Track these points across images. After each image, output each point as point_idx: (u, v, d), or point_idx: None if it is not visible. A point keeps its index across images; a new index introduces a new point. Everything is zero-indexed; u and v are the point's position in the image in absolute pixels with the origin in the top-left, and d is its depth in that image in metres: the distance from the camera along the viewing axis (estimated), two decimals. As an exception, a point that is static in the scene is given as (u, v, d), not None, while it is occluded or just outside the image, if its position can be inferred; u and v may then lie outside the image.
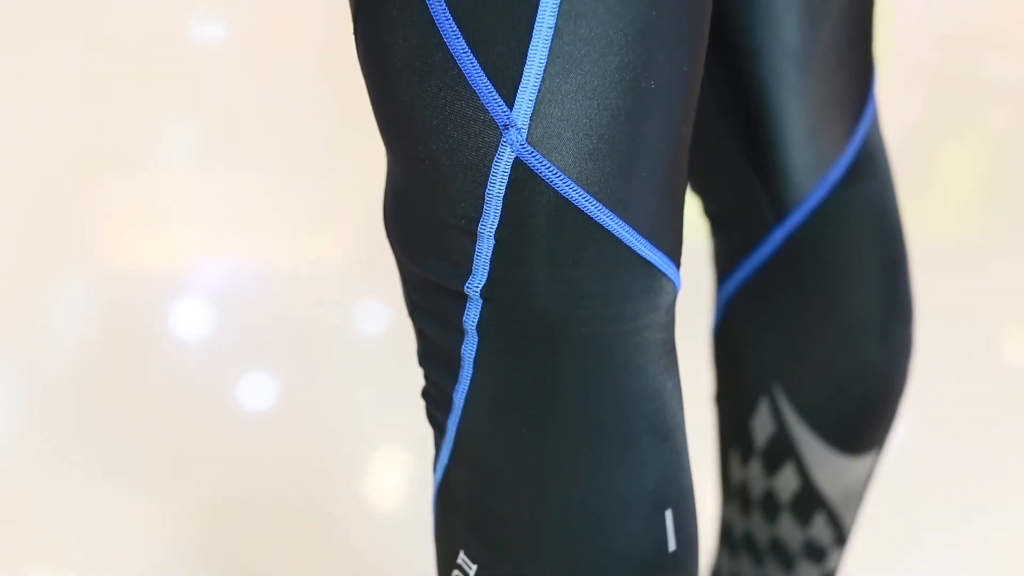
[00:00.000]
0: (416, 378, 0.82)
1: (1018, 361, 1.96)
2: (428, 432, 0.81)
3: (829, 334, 1.02)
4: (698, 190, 1.04)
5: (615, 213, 0.71)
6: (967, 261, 2.16)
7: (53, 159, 2.42)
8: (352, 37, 0.75)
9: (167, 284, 2.09)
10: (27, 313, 2.00)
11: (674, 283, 0.75)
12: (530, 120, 0.69)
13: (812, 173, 0.98)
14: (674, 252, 0.75)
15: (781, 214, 0.99)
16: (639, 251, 0.72)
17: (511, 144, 0.70)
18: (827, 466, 1.04)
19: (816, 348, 1.03)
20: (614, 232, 0.71)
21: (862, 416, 1.05)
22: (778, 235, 1.00)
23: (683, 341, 0.79)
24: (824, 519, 1.06)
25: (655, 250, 0.73)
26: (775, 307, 1.03)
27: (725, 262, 1.05)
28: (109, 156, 2.44)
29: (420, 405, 0.82)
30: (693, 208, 1.03)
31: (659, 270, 0.73)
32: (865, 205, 1.01)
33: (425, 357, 0.79)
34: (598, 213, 0.71)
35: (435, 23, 0.69)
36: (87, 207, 2.30)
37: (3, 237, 2.18)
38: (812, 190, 0.98)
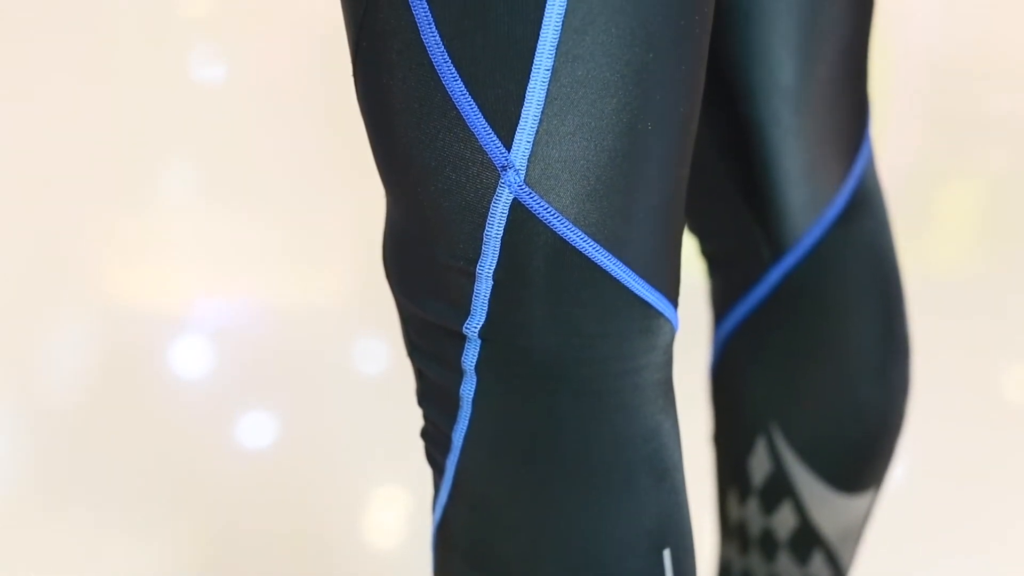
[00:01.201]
0: (415, 417, 0.82)
1: (1016, 399, 1.96)
2: (427, 471, 0.81)
3: (826, 373, 1.03)
4: (695, 230, 1.04)
5: (613, 254, 0.72)
6: (966, 299, 2.16)
7: (54, 196, 2.42)
8: (352, 78, 0.76)
9: (167, 322, 2.09)
10: (27, 349, 2.00)
11: (672, 323, 0.75)
12: (528, 162, 0.70)
13: (808, 212, 0.98)
14: (672, 292, 0.75)
15: (778, 253, 1.00)
16: (637, 291, 0.73)
17: (509, 185, 0.70)
18: (825, 505, 1.04)
19: (813, 387, 1.03)
20: (612, 273, 0.72)
21: (859, 455, 1.05)
22: (775, 274, 1.00)
23: (681, 379, 0.79)
24: (822, 558, 1.06)
25: (653, 290, 0.73)
26: (772, 346, 1.03)
27: (722, 301, 1.05)
28: (109, 194, 2.44)
29: (420, 444, 0.82)
30: (690, 247, 1.03)
31: (657, 310, 0.74)
32: (861, 244, 1.01)
33: (424, 397, 0.80)
34: (596, 254, 0.71)
35: (433, 66, 0.70)
36: (87, 244, 2.31)
37: (4, 273, 2.18)
38: (808, 229, 0.99)
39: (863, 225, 1.01)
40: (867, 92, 1.00)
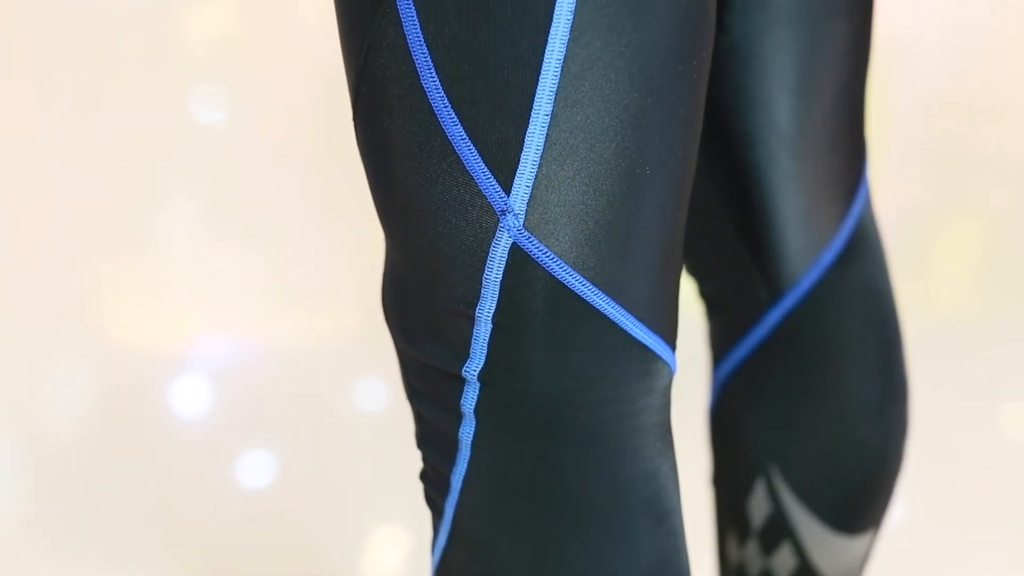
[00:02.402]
0: (415, 457, 0.82)
1: (1016, 439, 1.96)
2: (427, 512, 0.81)
3: (824, 415, 1.03)
4: (694, 272, 1.05)
5: (611, 297, 0.72)
6: (966, 339, 2.16)
7: (55, 235, 2.43)
8: (351, 122, 0.77)
9: (167, 361, 2.09)
10: (26, 389, 2.00)
11: (670, 366, 0.75)
12: (527, 206, 0.70)
13: (806, 255, 0.99)
14: (670, 335, 0.76)
15: (776, 296, 1.00)
16: (635, 335, 0.73)
17: (508, 230, 0.70)
18: (824, 546, 1.04)
19: (812, 429, 1.03)
20: (610, 316, 0.72)
21: (858, 496, 1.05)
22: (773, 316, 1.01)
23: (680, 421, 0.79)
24: (822, 599, 1.06)
25: (651, 333, 0.74)
26: (770, 388, 1.03)
27: (721, 343, 1.05)
28: (110, 233, 2.45)
29: (419, 484, 0.82)
30: (689, 288, 1.04)
31: (655, 353, 0.74)
32: (859, 287, 1.01)
33: (423, 440, 0.80)
34: (594, 297, 0.72)
35: (433, 110, 0.70)
36: (88, 283, 2.31)
37: (3, 312, 2.18)
38: (806, 272, 0.99)
39: (861, 267, 1.01)
40: (865, 135, 1.01)
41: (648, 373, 0.74)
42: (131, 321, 2.20)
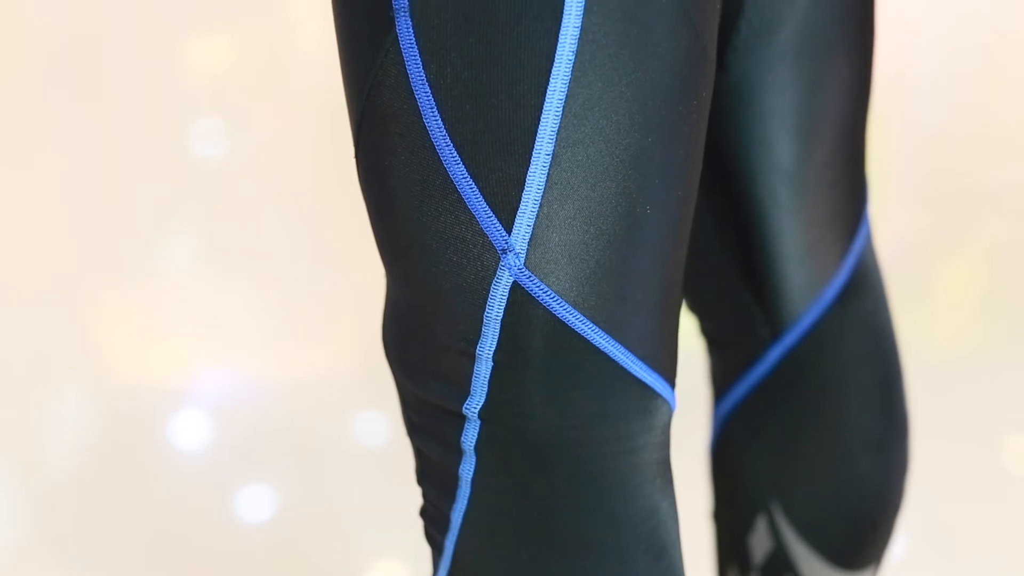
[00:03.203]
0: (415, 491, 0.82)
1: (1018, 474, 1.96)
2: (427, 547, 0.81)
3: (825, 451, 1.03)
4: (695, 309, 1.05)
5: (611, 336, 0.72)
6: (966, 373, 2.16)
7: (55, 268, 2.43)
8: (353, 158, 0.77)
9: (167, 395, 2.09)
10: (26, 422, 2.00)
11: (669, 404, 0.76)
12: (528, 245, 0.70)
13: (807, 292, 0.99)
14: (669, 373, 0.76)
15: (777, 332, 1.00)
16: (635, 373, 0.73)
17: (509, 268, 0.71)
18: (825, 582, 1.04)
19: (813, 465, 1.03)
20: (610, 354, 0.72)
21: (859, 532, 1.05)
22: (774, 353, 1.01)
23: (681, 457, 0.80)
24: (822, 636, 1.06)
25: (650, 371, 0.74)
26: (771, 425, 1.04)
27: (722, 380, 1.06)
28: (110, 267, 2.45)
29: (420, 519, 0.82)
30: (690, 325, 1.04)
31: (654, 391, 0.74)
32: (860, 323, 1.02)
33: (423, 476, 0.80)
34: (594, 336, 0.72)
35: (435, 148, 0.71)
36: (87, 318, 2.31)
37: (3, 346, 2.19)
38: (807, 309, 0.99)
39: (861, 304, 1.02)
40: (865, 173, 1.01)
41: (648, 411, 0.74)
42: (131, 355, 2.20)
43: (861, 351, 1.02)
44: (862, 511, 1.04)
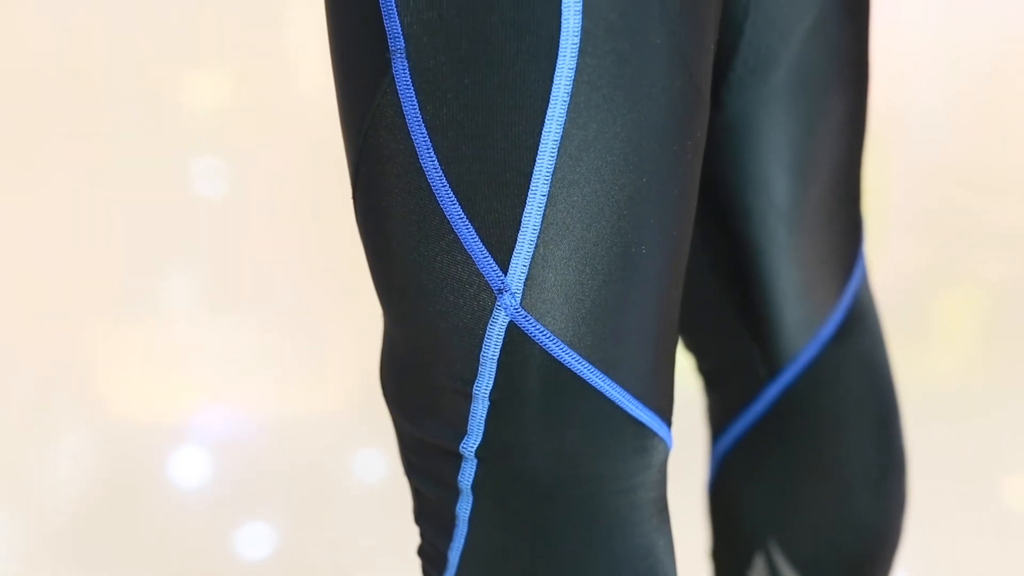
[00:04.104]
0: (415, 529, 0.82)
1: (1017, 511, 1.96)
2: (425, 584, 0.82)
3: (823, 489, 1.03)
4: (692, 348, 1.05)
5: (607, 375, 0.73)
6: (964, 410, 2.16)
7: (54, 306, 2.43)
8: (351, 199, 0.77)
9: (167, 432, 2.09)
10: (26, 460, 2.00)
11: (665, 442, 0.76)
12: (524, 285, 0.71)
13: (804, 330, 0.99)
14: (665, 412, 0.76)
15: (774, 371, 1.00)
16: (631, 412, 0.74)
17: (505, 308, 0.71)
18: (824, 620, 1.04)
19: (810, 504, 1.03)
20: (606, 393, 0.73)
21: (857, 570, 1.05)
22: (771, 392, 1.01)
23: (679, 496, 0.80)
24: (821, 675, 1.05)
25: (646, 410, 0.74)
26: (769, 463, 1.04)
27: (719, 419, 1.06)
28: (110, 304, 2.45)
29: (418, 558, 0.82)
30: (687, 364, 1.04)
31: (651, 430, 0.75)
32: (856, 362, 1.02)
33: (421, 515, 0.80)
34: (590, 375, 0.72)
35: (432, 189, 0.71)
36: (87, 355, 2.31)
37: (3, 383, 2.19)
38: (804, 347, 0.99)
39: (858, 342, 1.02)
40: (861, 210, 1.01)
41: (644, 449, 0.75)
42: (130, 392, 2.20)
43: (858, 389, 1.02)
44: (860, 549, 1.04)
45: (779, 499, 1.04)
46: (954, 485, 1.90)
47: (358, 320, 1.92)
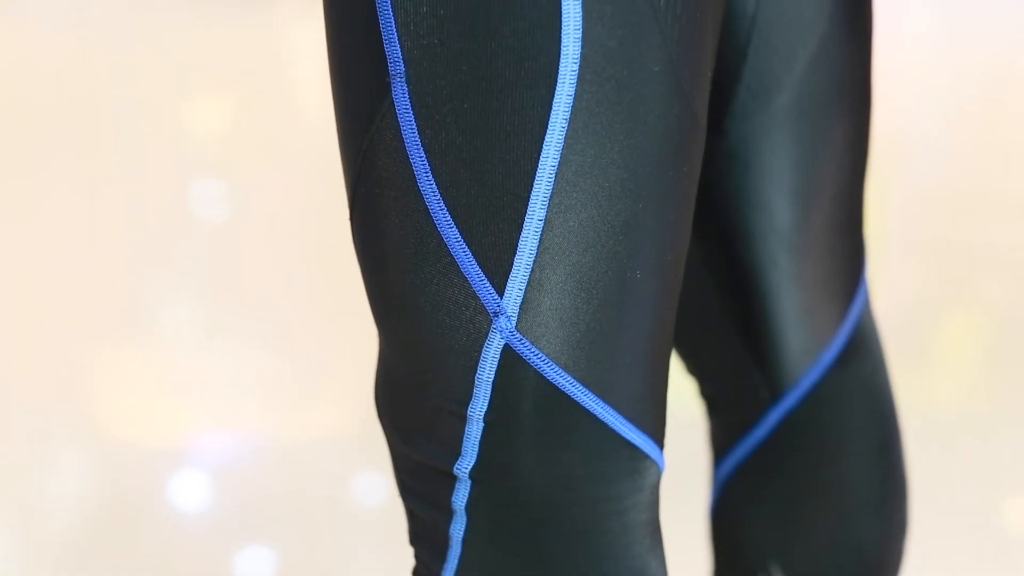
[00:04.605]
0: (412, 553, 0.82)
1: (1019, 535, 1.95)
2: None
3: (824, 513, 1.03)
4: (694, 372, 1.05)
5: (600, 398, 0.73)
6: (966, 434, 2.16)
7: (54, 330, 2.44)
8: (349, 220, 0.78)
9: (166, 457, 2.10)
10: (27, 483, 2.00)
11: (658, 465, 0.76)
12: (519, 308, 0.71)
13: (806, 355, 0.99)
14: (658, 434, 0.77)
15: (776, 395, 1.00)
16: (624, 434, 0.74)
17: (501, 331, 0.72)
18: (824, 645, 1.04)
19: (811, 527, 1.03)
20: (599, 416, 0.73)
21: (858, 595, 1.05)
22: (773, 416, 1.01)
23: (681, 520, 0.80)
24: None
25: (639, 433, 0.75)
26: (771, 487, 1.04)
27: (722, 443, 1.06)
28: (110, 328, 2.46)
29: (418, 577, 0.82)
30: (690, 388, 1.05)
31: (643, 452, 0.75)
32: (858, 386, 1.02)
33: (416, 537, 0.80)
34: (584, 398, 0.73)
35: (429, 213, 0.71)
36: (87, 379, 2.32)
37: (4, 407, 2.19)
38: (806, 372, 0.99)
39: (860, 367, 1.02)
40: (863, 235, 1.02)
41: (637, 472, 0.75)
42: (130, 416, 2.21)
43: (860, 414, 1.02)
44: (861, 573, 1.04)
45: (781, 523, 1.04)
46: (955, 508, 1.90)
47: (358, 344, 1.92)
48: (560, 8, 0.69)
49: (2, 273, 2.67)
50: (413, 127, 0.71)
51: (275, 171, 3.12)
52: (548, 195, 0.70)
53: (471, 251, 0.71)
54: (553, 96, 0.69)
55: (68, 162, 3.12)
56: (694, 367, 1.05)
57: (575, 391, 0.72)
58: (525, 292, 0.71)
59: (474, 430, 0.74)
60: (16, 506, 1.97)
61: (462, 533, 0.75)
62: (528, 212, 0.70)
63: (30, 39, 4.27)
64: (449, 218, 0.71)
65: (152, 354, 2.42)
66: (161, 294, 2.64)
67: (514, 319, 0.71)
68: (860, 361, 1.02)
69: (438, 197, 0.71)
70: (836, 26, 0.91)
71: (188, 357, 2.43)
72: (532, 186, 0.70)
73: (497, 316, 0.71)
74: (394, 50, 0.71)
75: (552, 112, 0.69)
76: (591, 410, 0.73)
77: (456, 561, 0.76)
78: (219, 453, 2.12)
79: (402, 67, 0.71)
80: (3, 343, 2.39)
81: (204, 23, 4.69)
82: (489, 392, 0.73)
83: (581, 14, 0.69)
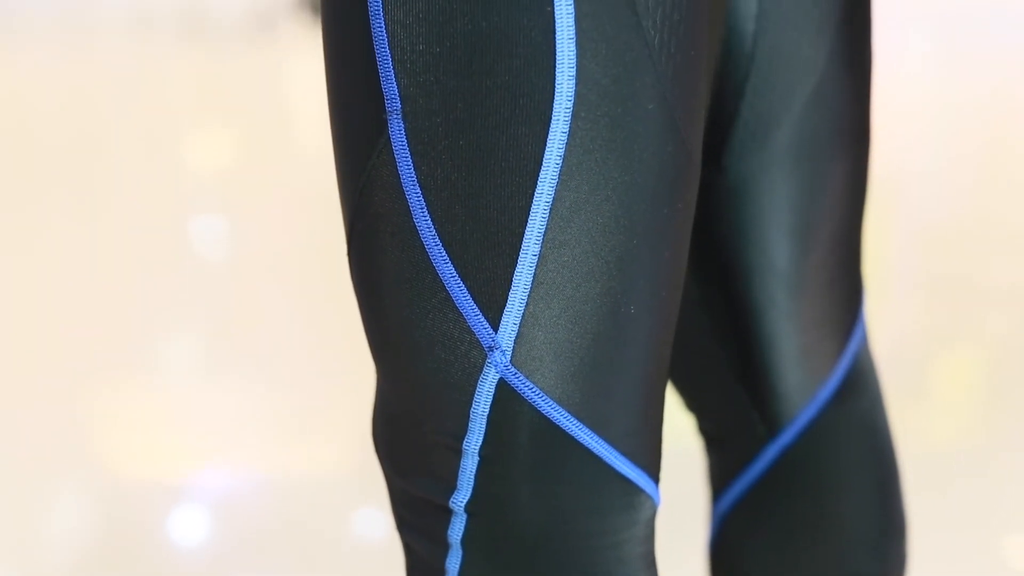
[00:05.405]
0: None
1: (1019, 572, 1.95)
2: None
3: (822, 550, 1.03)
4: (692, 408, 1.05)
5: (595, 432, 0.73)
6: (965, 470, 2.15)
7: (55, 365, 2.44)
8: (346, 256, 0.78)
9: (166, 491, 2.09)
10: (27, 518, 2.00)
11: (653, 499, 0.77)
12: (514, 343, 0.72)
13: (803, 392, 0.99)
14: (653, 469, 0.77)
15: (773, 432, 1.01)
16: (618, 468, 0.74)
17: (496, 365, 0.72)
18: None
19: (809, 564, 1.03)
20: (594, 450, 0.74)
21: (857, 632, 1.04)
22: (770, 452, 1.01)
23: (681, 555, 0.80)
24: None
25: (634, 467, 0.75)
26: (769, 523, 1.04)
27: (720, 478, 1.06)
28: (110, 364, 2.46)
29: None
30: (688, 423, 1.05)
31: (638, 486, 0.75)
32: (855, 423, 1.02)
33: (412, 571, 0.80)
34: (579, 432, 0.73)
35: (425, 248, 0.72)
36: (87, 415, 2.32)
37: (4, 441, 2.19)
38: (803, 408, 1.00)
39: (857, 404, 1.02)
40: (861, 273, 1.02)
41: (632, 506, 0.75)
42: (131, 451, 2.21)
43: (857, 450, 1.03)
44: (860, 610, 1.04)
45: (779, 558, 1.04)
46: (954, 545, 1.89)
47: (357, 380, 1.92)
48: (554, 46, 0.70)
49: (2, 307, 2.67)
50: (409, 163, 0.72)
51: (274, 206, 3.13)
52: (543, 230, 0.71)
53: (466, 286, 0.72)
54: (548, 133, 0.70)
55: (68, 196, 3.13)
56: (692, 403, 1.05)
57: (569, 425, 0.73)
58: (520, 326, 0.72)
59: (469, 464, 0.74)
60: (16, 540, 1.96)
61: (458, 567, 0.76)
62: (523, 247, 0.71)
63: (30, 73, 4.29)
64: (444, 253, 0.72)
65: (151, 389, 2.42)
66: (161, 329, 2.64)
67: (509, 353, 0.72)
68: (857, 397, 1.02)
69: (433, 233, 0.72)
70: (835, 65, 0.92)
71: (187, 392, 2.43)
72: (527, 221, 0.70)
73: (492, 350, 0.72)
74: (391, 87, 0.72)
75: (547, 149, 0.70)
76: (585, 444, 0.73)
77: (453, 594, 0.76)
78: (219, 488, 2.12)
79: (398, 104, 0.71)
80: (3, 377, 2.39)
81: (204, 58, 4.71)
82: (484, 426, 0.73)
83: (575, 52, 0.70)
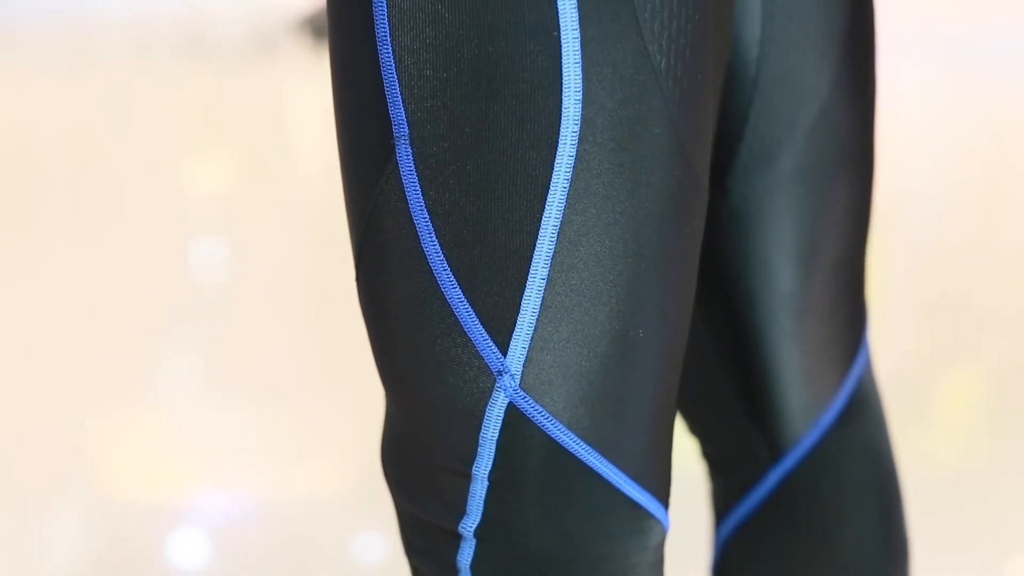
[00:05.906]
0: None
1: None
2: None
3: (825, 574, 1.03)
4: (695, 432, 1.05)
5: (605, 456, 0.73)
6: (967, 493, 2.15)
7: (54, 389, 2.44)
8: (354, 280, 0.78)
9: (165, 515, 2.09)
10: (26, 541, 2.00)
11: (662, 523, 0.77)
12: (523, 367, 0.72)
13: (806, 416, 0.99)
14: (662, 493, 0.77)
15: (776, 455, 1.00)
16: (628, 493, 0.74)
17: (505, 390, 0.72)
18: None
19: (812, 588, 1.03)
20: (603, 475, 0.74)
21: (860, 657, 1.04)
22: (773, 476, 1.01)
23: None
24: None
25: (643, 492, 0.75)
26: (771, 547, 1.04)
27: (723, 502, 1.06)
28: (108, 387, 2.46)
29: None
30: (692, 447, 1.05)
31: (647, 511, 0.75)
32: (858, 447, 1.02)
33: (421, 596, 0.81)
34: (588, 456, 0.73)
35: (433, 273, 0.72)
36: (86, 438, 2.32)
37: (4, 465, 2.19)
38: (806, 432, 1.00)
39: (860, 428, 1.02)
40: (865, 297, 1.02)
41: (641, 531, 0.75)
42: (130, 474, 2.20)
43: (860, 474, 1.02)
44: (862, 635, 1.04)
45: (782, 584, 1.04)
46: (956, 569, 1.89)
47: (357, 403, 1.93)
48: (561, 70, 0.70)
49: (1, 328, 2.67)
50: (417, 188, 0.72)
51: (276, 230, 3.13)
52: (551, 254, 0.71)
53: (474, 311, 0.72)
54: (555, 157, 0.70)
55: (69, 218, 3.13)
56: (695, 427, 1.05)
57: (579, 449, 0.73)
58: (528, 351, 0.72)
59: (478, 489, 0.74)
60: (16, 562, 1.96)
61: (467, 591, 0.76)
62: (531, 271, 0.71)
63: (32, 95, 4.30)
64: (452, 278, 0.72)
65: (151, 413, 2.42)
66: (160, 353, 2.64)
67: (517, 377, 0.72)
68: (861, 422, 1.02)
69: (441, 258, 0.72)
70: (838, 89, 0.92)
71: (187, 415, 2.43)
72: (535, 245, 0.71)
73: (501, 375, 0.72)
74: (398, 112, 0.72)
75: (554, 173, 0.70)
76: (595, 468, 0.73)
77: (461, 620, 0.76)
78: (218, 512, 2.11)
79: (406, 129, 0.72)
80: (3, 399, 2.39)
81: (205, 80, 4.72)
82: (493, 451, 0.73)
83: (582, 76, 0.70)
